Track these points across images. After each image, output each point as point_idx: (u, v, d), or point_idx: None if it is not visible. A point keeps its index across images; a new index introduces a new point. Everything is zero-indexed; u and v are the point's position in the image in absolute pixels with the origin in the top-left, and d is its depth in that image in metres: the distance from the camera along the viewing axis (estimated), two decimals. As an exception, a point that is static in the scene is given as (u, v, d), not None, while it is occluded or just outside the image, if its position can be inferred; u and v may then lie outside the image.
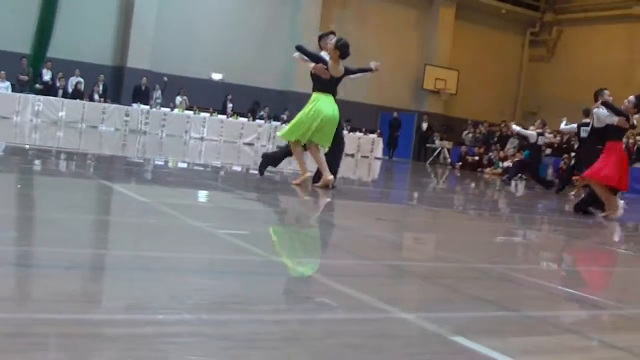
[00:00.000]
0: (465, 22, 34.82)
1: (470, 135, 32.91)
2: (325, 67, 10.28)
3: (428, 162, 32.25)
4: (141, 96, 26.57)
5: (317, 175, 10.37)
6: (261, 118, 28.22)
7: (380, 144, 30.66)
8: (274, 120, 28.37)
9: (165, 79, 26.77)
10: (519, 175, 24.29)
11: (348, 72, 10.67)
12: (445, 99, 34.53)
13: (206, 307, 3.23)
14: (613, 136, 11.23)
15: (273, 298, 3.69)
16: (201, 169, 14.06)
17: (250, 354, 2.66)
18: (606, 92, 12.63)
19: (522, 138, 23.05)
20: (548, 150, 28.07)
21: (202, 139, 26.41)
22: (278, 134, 11.11)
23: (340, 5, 32.56)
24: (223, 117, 27.49)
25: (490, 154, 30.58)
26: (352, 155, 28.85)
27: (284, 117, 28.25)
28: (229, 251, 4.84)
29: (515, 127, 22.10)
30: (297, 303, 3.72)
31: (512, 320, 3.82)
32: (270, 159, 11.36)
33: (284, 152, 11.09)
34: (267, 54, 29.67)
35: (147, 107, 25.99)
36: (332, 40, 10.42)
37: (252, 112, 28.06)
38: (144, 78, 27.00)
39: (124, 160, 13.63)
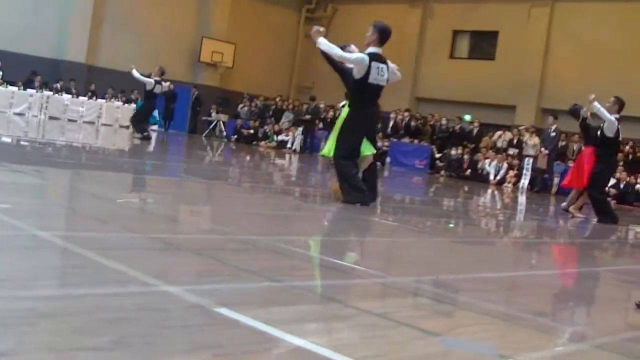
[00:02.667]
0: (243, -4, 34.94)
1: (246, 108, 33.08)
2: None
3: (204, 135, 32.14)
4: None
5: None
6: (33, 87, 27.19)
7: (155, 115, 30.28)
8: (47, 90, 27.40)
9: None
10: None
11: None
12: (222, 72, 34.45)
13: (-38, 284, 3.12)
14: None
15: (31, 274, 3.58)
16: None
17: (4, 331, 2.59)
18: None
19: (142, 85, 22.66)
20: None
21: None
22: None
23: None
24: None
25: (266, 127, 30.90)
26: (127, 127, 28.37)
27: (57, 86, 27.40)
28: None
29: (135, 73, 21.42)
30: (59, 278, 3.65)
31: (277, 291, 3.90)
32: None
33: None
34: (39, 20, 28.56)
35: None
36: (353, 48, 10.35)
37: (29, 82, 27.09)
38: None
39: None
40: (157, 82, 21.17)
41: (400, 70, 10.34)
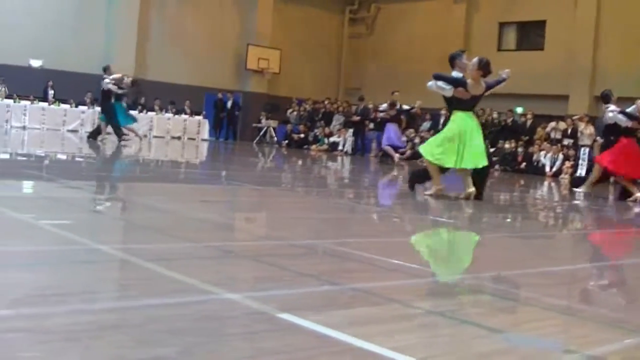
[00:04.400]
0: (285, 1, 34.93)
1: (295, 113, 33.13)
2: (465, 89, 10.41)
3: (255, 141, 32.27)
4: None
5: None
6: (83, 104, 27.50)
7: (206, 126, 30.47)
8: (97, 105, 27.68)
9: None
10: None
11: (488, 87, 10.85)
12: (269, 78, 34.56)
13: (26, 301, 3.15)
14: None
15: (94, 287, 3.62)
16: (24, 158, 13.64)
17: (70, 345, 2.61)
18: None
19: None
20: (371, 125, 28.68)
21: (24, 127, 25.53)
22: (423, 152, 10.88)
23: (159, -14, 32.10)
24: (45, 104, 26.68)
25: (316, 131, 30.93)
26: (179, 138, 28.60)
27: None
28: (50, 242, 4.73)
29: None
30: (120, 290, 3.68)
31: (337, 294, 3.89)
32: (419, 176, 11.39)
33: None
34: (86, 38, 28.90)
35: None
36: (465, 59, 10.71)
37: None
38: None
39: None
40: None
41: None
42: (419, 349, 2.98)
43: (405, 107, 23.73)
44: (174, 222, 6.39)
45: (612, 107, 14.19)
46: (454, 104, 10.64)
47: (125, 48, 29.80)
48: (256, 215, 7.98)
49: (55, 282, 3.65)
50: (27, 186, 8.71)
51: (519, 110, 27.61)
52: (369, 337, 3.01)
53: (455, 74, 10.69)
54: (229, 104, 32.44)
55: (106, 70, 21.51)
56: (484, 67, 10.47)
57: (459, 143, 10.37)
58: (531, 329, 3.53)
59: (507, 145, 25.47)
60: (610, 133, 14.47)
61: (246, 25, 34.02)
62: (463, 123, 10.52)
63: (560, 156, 23.92)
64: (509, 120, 27.00)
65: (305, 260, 4.96)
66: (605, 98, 14.53)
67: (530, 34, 31.38)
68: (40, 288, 3.45)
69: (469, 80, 10.45)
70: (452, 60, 10.85)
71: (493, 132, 26.63)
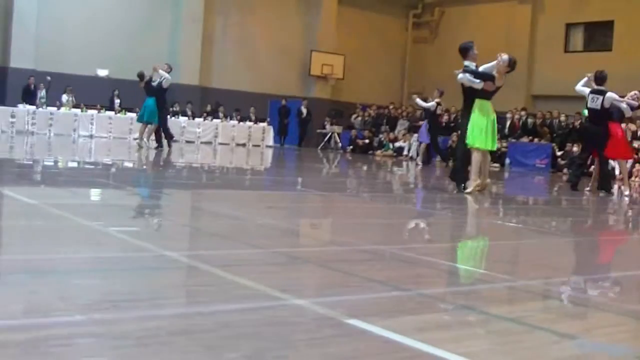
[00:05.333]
0: (349, 7, 34.92)
1: (360, 118, 33.12)
2: (492, 82, 11.36)
3: (319, 147, 32.33)
4: (29, 96, 25.98)
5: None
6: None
7: (270, 132, 30.58)
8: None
9: (49, 78, 26.16)
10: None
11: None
12: (332, 84, 34.61)
13: (97, 307, 3.18)
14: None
15: (164, 293, 3.65)
16: (91, 167, 13.83)
17: (142, 351, 2.63)
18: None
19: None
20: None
21: (91, 136, 25.90)
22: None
23: (223, -7, 32.35)
24: (111, 113, 27.03)
25: (380, 136, 30.87)
26: (244, 145, 28.75)
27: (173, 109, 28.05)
28: (119, 249, 4.78)
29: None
30: (188, 296, 3.70)
31: (405, 299, 3.87)
32: (459, 174, 12.01)
33: (463, 163, 11.89)
34: (151, 47, 29.25)
35: (34, 107, 25.38)
36: (475, 50, 11.72)
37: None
38: (31, 77, 26.41)
39: (11, 162, 13.30)
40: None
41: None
42: (490, 356, 2.95)
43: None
44: (241, 229, 6.41)
45: None
46: (478, 93, 11.45)
47: (190, 56, 30.11)
48: (322, 221, 7.98)
49: (124, 288, 3.68)
50: (96, 194, 8.83)
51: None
52: (438, 343, 2.98)
53: (468, 63, 11.60)
54: (302, 111, 32.57)
55: (142, 77, 21.17)
56: (513, 65, 11.38)
57: (487, 127, 11.34)
58: (603, 335, 3.47)
59: (575, 149, 25.12)
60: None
61: (310, 32, 34.12)
62: (487, 110, 11.43)
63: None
64: (577, 123, 26.63)
65: (372, 265, 4.95)
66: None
67: (598, 35, 30.93)
68: (110, 294, 3.49)
69: (497, 74, 11.33)
70: (465, 52, 11.75)
71: (561, 135, 26.29)
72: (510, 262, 6.02)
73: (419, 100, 22.88)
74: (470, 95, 11.58)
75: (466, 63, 11.55)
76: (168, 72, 20.62)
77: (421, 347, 2.91)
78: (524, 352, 3.06)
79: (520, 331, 3.40)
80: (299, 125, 32.77)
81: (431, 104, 22.19)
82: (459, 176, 11.86)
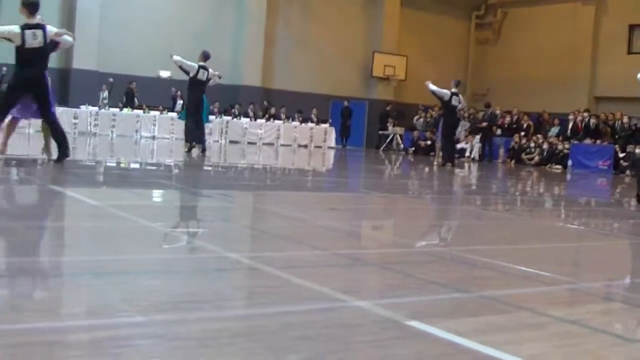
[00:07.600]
0: (411, 8, 34.81)
1: (422, 120, 32.98)
2: None
3: (381, 148, 32.28)
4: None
5: None
6: (212, 114, 28.02)
7: (332, 134, 30.61)
8: (225, 115, 28.19)
9: (111, 79, 26.51)
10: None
11: None
12: (395, 85, 34.54)
13: (159, 308, 3.23)
14: None
15: (226, 294, 3.68)
16: (153, 168, 13.98)
17: (203, 352, 2.66)
18: None
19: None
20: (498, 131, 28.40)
21: (153, 137, 26.17)
22: None
23: (286, -4, 32.49)
24: (173, 114, 27.26)
25: (442, 137, 30.70)
26: (306, 146, 28.83)
27: (235, 111, 28.27)
28: (181, 250, 4.84)
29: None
30: (250, 298, 3.73)
31: (466, 301, 3.86)
32: None
33: None
34: (213, 49, 29.42)
35: (96, 108, 25.73)
36: None
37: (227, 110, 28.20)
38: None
39: (75, 163, 13.48)
40: (200, 67, 17.99)
41: None
42: (552, 358, 2.93)
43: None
44: (303, 230, 6.44)
45: None
46: None
47: (252, 58, 30.29)
48: (383, 223, 7.98)
49: (186, 289, 3.72)
50: (158, 195, 8.93)
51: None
52: (499, 345, 2.97)
53: None
54: (366, 112, 32.54)
55: (208, 57, 18.67)
56: None
57: None
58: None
59: (637, 150, 24.75)
60: None
61: (372, 33, 34.10)
62: None
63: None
64: None
65: (433, 267, 4.94)
66: None
67: (662, 36, 30.46)
68: (172, 295, 3.53)
69: None
70: None
71: (623, 137, 25.93)
72: (571, 264, 5.96)
73: (431, 86, 21.65)
74: None
75: None
76: (202, 61, 18.42)
77: (482, 350, 2.90)
78: (585, 355, 3.03)
79: (582, 334, 3.37)
80: (368, 125, 32.80)
81: (445, 92, 21.24)
82: None
